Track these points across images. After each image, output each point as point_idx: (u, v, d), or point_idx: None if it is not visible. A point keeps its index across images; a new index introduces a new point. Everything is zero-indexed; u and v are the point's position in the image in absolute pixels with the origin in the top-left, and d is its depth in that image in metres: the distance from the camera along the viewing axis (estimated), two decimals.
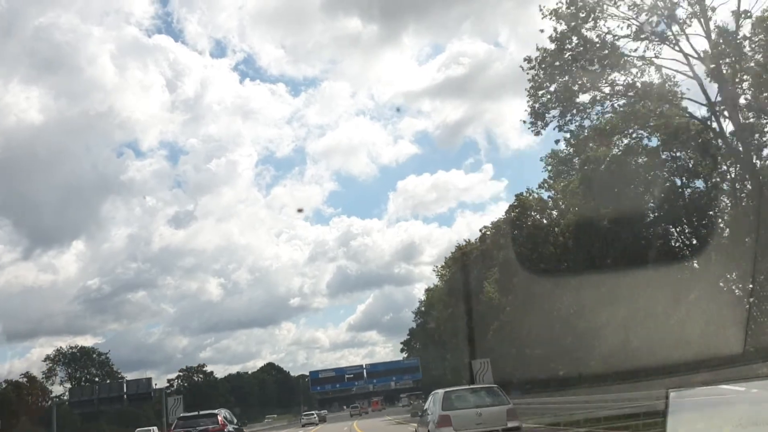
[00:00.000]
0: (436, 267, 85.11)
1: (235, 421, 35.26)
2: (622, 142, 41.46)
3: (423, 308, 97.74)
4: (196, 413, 31.08)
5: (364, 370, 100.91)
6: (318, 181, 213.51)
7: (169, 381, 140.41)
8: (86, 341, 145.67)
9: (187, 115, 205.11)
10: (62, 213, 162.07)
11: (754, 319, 32.08)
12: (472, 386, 22.63)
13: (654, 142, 40.89)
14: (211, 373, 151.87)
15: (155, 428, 62.22)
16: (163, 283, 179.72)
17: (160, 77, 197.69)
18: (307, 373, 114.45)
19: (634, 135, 40.72)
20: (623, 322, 37.88)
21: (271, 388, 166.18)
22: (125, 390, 62.60)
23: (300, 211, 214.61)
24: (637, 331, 37.07)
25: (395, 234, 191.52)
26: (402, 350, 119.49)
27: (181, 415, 34.43)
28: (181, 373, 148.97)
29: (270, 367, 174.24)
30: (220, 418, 30.15)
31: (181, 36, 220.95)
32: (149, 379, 65.73)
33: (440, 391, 19.85)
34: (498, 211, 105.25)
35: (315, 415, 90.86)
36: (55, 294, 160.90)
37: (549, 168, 55.12)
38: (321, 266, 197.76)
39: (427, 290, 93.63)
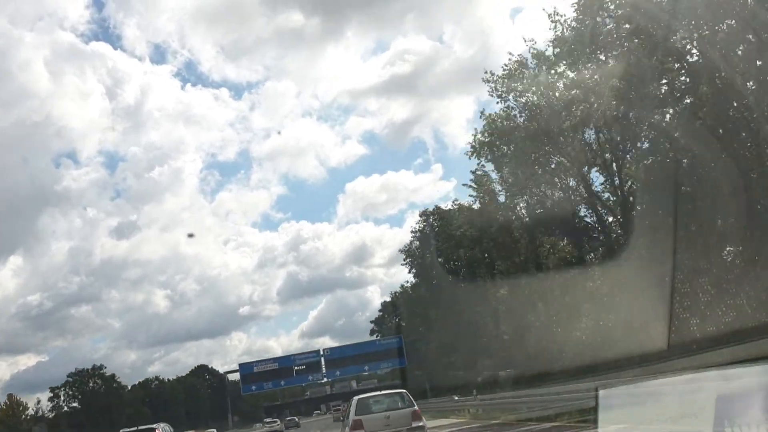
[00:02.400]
0: None
1: None
2: None
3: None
4: (134, 429, 29.65)
5: (322, 358, 68.73)
6: (265, 186, 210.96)
7: (53, 390, 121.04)
8: (29, 360, 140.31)
9: (127, 122, 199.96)
10: None
11: (677, 315, 32.80)
12: (384, 392, 23.98)
13: None
14: (113, 377, 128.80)
15: None
16: (107, 297, 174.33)
17: (98, 84, 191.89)
18: (237, 368, 75.26)
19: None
20: (547, 322, 38.44)
21: (203, 395, 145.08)
22: None
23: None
24: (561, 332, 37.65)
25: (346, 237, 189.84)
26: (373, 332, 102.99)
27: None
28: (71, 379, 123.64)
29: (202, 369, 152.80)
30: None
31: (119, 41, 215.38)
32: None
33: (356, 398, 21.98)
34: None
35: (279, 423, 76.11)
36: None
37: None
38: (271, 273, 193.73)
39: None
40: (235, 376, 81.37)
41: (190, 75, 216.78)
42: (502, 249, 42.98)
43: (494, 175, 43.34)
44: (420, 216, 67.95)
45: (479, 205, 44.88)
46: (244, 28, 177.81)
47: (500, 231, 41.94)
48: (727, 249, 34.53)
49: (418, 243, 67.80)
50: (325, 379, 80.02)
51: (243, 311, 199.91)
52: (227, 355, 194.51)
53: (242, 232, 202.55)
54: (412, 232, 69.64)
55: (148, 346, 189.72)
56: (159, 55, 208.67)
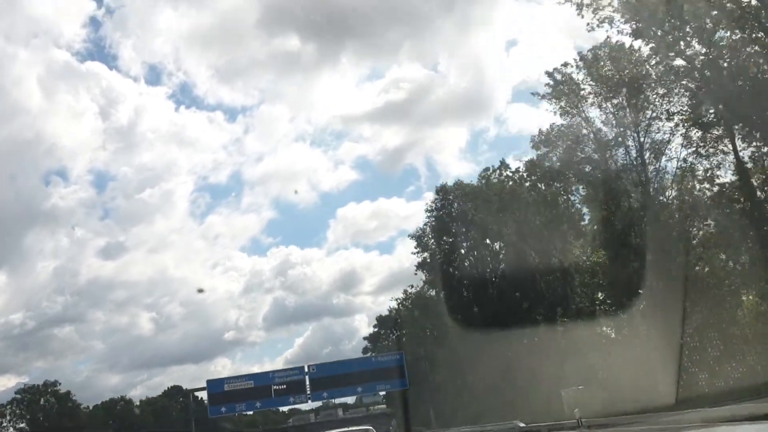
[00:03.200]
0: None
1: None
2: None
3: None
4: None
5: (306, 376, 53.93)
6: (256, 210, 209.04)
7: None
8: (9, 381, 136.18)
9: (120, 143, 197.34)
10: None
11: (686, 369, 33.03)
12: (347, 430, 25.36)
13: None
14: (68, 393, 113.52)
15: None
16: (92, 318, 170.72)
17: (91, 103, 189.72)
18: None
19: None
20: (556, 375, 38.45)
21: (175, 418, 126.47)
22: None
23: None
24: (569, 384, 37.68)
25: (335, 263, 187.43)
26: (366, 350, 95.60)
27: None
28: (19, 396, 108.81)
29: (175, 390, 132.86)
30: None
31: (114, 61, 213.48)
32: None
33: None
34: None
35: None
36: None
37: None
38: (258, 298, 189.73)
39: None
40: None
41: (185, 97, 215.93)
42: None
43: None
44: (436, 193, 59.25)
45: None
46: (240, 51, 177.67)
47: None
48: (737, 305, 34.88)
49: (433, 226, 59.79)
50: (310, 402, 64.64)
51: (228, 336, 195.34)
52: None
53: (231, 256, 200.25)
54: (427, 211, 60.70)
55: (132, 369, 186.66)
56: (154, 76, 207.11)
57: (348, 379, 54.49)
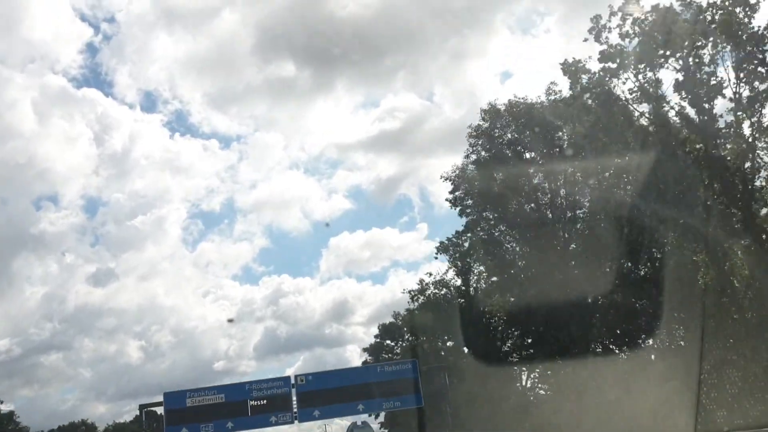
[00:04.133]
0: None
1: None
2: None
3: None
4: None
5: (293, 389, 44.07)
6: (249, 238, 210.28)
7: None
8: None
9: (113, 169, 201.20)
10: None
11: (704, 406, 32.59)
12: None
13: None
14: (11, 415, 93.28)
15: None
16: (79, 345, 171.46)
17: (86, 129, 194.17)
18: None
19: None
20: (574, 411, 38.13)
21: None
22: None
23: (230, 321, 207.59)
24: (588, 421, 37.33)
25: (327, 293, 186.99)
26: (368, 348, 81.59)
27: None
28: None
29: (149, 416, 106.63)
30: None
31: (110, 88, 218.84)
32: None
33: None
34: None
35: None
36: None
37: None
38: (249, 327, 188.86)
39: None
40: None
41: (180, 125, 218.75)
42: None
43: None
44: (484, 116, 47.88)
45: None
46: (235, 77, 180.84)
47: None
48: (756, 341, 34.40)
49: (472, 169, 48.74)
50: (297, 423, 46.35)
51: (218, 366, 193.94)
52: None
53: (222, 285, 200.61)
54: (470, 142, 48.53)
55: (119, 399, 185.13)
56: (150, 103, 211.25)
57: (346, 393, 43.97)
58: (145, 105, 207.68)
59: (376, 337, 78.76)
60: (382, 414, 72.00)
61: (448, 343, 58.83)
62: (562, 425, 38.32)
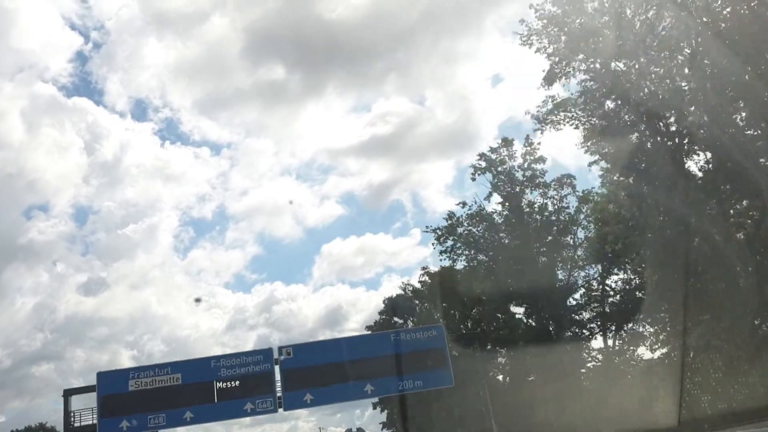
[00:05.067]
0: None
1: None
2: None
3: None
4: None
5: (276, 367, 31.34)
6: (241, 245, 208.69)
7: None
8: None
9: (104, 178, 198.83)
10: None
11: (688, 391, 32.70)
12: None
13: None
14: None
15: None
16: (71, 356, 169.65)
17: (77, 137, 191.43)
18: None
19: None
20: (557, 396, 38.11)
21: None
22: None
23: (198, 300, 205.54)
24: (572, 405, 37.33)
25: (320, 299, 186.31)
26: (373, 325, 62.43)
27: None
28: None
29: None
30: None
31: (100, 96, 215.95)
32: None
33: None
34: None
35: None
36: None
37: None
38: (241, 335, 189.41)
39: None
40: None
41: (170, 133, 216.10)
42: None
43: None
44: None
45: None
46: (225, 83, 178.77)
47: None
48: (739, 327, 34.55)
49: None
50: (280, 411, 31.59)
51: None
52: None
53: (214, 293, 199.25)
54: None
55: None
56: (140, 111, 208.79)
57: (348, 370, 30.99)
58: (135, 113, 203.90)
59: (380, 313, 63.14)
60: (383, 413, 60.39)
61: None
62: (543, 408, 38.23)
